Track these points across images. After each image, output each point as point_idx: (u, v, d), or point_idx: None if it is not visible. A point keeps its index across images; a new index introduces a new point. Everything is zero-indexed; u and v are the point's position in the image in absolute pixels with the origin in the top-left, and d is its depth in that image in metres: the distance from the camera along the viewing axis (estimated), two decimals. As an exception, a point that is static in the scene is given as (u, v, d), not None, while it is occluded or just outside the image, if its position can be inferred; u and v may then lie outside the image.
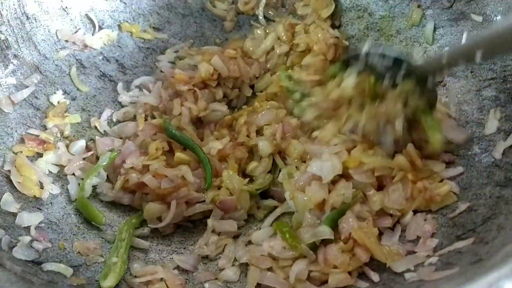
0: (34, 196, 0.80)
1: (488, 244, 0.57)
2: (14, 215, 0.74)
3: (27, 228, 0.73)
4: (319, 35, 0.99)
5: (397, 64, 0.78)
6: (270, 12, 1.12)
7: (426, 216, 0.72)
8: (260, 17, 1.12)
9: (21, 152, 0.83)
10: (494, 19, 0.82)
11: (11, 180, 0.79)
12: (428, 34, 0.93)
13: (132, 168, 0.87)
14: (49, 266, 0.67)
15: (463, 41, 0.79)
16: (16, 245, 0.68)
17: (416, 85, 0.76)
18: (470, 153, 0.77)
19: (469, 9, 0.87)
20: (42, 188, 0.82)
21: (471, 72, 0.84)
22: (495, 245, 0.56)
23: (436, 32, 0.93)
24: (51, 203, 0.81)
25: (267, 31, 1.07)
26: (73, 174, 0.87)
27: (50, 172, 0.86)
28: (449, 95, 0.85)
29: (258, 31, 1.08)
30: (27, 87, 0.92)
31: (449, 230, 0.68)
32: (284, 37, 1.03)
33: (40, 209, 0.79)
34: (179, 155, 0.88)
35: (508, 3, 0.81)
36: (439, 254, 0.64)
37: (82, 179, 0.86)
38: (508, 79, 0.77)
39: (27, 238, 0.70)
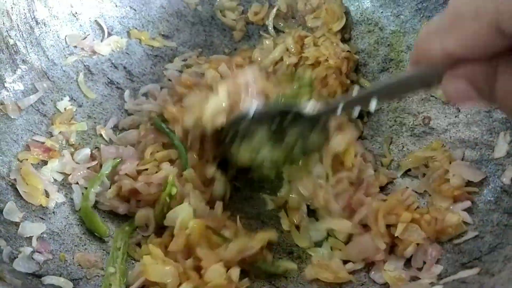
0: (41, 205, 0.79)
1: (494, 276, 0.56)
2: (17, 224, 0.73)
3: (29, 239, 0.73)
4: (329, 50, 0.98)
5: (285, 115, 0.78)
6: (280, 23, 1.12)
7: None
8: (270, 28, 1.11)
9: (26, 159, 0.83)
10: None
11: (15, 188, 0.78)
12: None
13: (126, 174, 0.86)
14: (49, 280, 0.67)
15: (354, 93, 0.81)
16: (17, 257, 0.68)
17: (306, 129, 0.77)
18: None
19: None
20: (48, 197, 0.81)
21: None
22: (501, 279, 0.55)
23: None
24: (53, 212, 0.80)
25: (276, 42, 1.06)
26: (77, 183, 0.86)
27: (55, 180, 0.85)
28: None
29: (267, 42, 1.07)
30: (34, 93, 0.92)
31: (454, 256, 0.67)
32: (293, 49, 1.03)
33: (43, 219, 0.78)
34: (159, 153, 0.89)
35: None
36: (443, 282, 0.63)
37: (86, 188, 0.86)
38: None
39: (29, 250, 0.70)
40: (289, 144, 0.79)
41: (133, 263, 0.79)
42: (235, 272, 0.70)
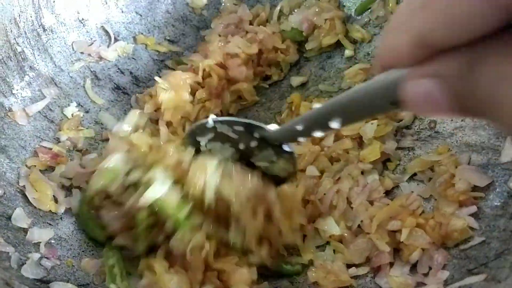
0: (50, 211, 0.80)
1: (501, 283, 0.56)
2: (25, 230, 0.75)
3: (37, 245, 0.74)
4: None
5: (250, 130, 0.72)
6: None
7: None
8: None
9: (35, 166, 0.84)
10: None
11: (24, 195, 0.79)
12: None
13: None
14: (56, 286, 0.67)
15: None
16: (25, 263, 0.69)
17: (271, 153, 0.72)
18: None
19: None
20: (57, 203, 0.82)
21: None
22: (507, 285, 0.54)
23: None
24: (61, 218, 0.81)
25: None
26: (79, 188, 0.87)
27: (63, 185, 0.86)
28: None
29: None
30: (42, 99, 0.94)
31: (460, 262, 0.66)
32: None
33: (51, 224, 0.79)
34: None
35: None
36: (449, 288, 0.63)
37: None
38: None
39: (37, 255, 0.71)
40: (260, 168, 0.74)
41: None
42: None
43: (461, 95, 0.30)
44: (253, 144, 0.73)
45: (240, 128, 0.72)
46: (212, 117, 0.74)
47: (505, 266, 0.59)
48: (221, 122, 0.74)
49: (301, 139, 0.66)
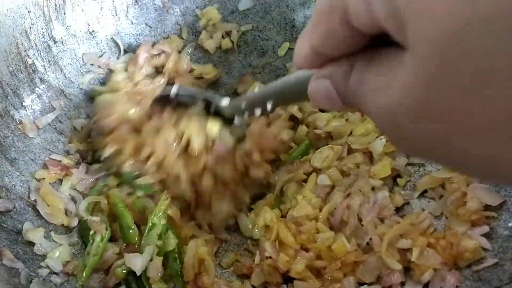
0: (62, 225, 0.80)
1: (515, 309, 0.55)
2: (34, 245, 0.74)
3: (46, 260, 0.73)
4: None
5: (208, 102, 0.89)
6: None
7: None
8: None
9: (44, 179, 0.84)
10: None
11: (34, 208, 0.79)
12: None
13: None
14: (65, 303, 0.68)
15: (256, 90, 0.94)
16: (34, 279, 0.69)
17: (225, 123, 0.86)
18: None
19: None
20: (68, 216, 0.82)
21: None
22: (522, 312, 0.54)
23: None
24: (71, 231, 0.81)
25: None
26: (82, 193, 0.87)
27: (72, 197, 0.86)
28: None
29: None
30: (52, 111, 0.94)
31: (473, 284, 0.66)
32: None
33: (62, 239, 0.79)
34: None
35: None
36: (462, 311, 0.62)
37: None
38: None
39: (45, 271, 0.71)
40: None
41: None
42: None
43: (342, 94, 0.40)
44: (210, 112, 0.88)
45: (199, 99, 0.89)
46: (176, 87, 0.92)
47: (519, 291, 0.58)
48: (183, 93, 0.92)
49: (245, 115, 0.77)
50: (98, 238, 0.77)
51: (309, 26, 0.41)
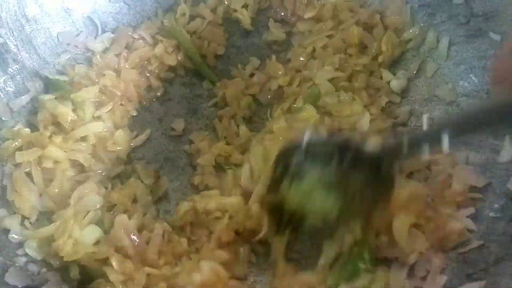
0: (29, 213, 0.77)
1: (502, 292, 0.55)
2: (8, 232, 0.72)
3: (22, 247, 0.71)
4: None
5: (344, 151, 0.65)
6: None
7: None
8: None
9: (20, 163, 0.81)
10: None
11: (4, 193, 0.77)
12: (442, 50, 0.90)
13: None
14: (46, 291, 0.65)
15: (424, 125, 0.66)
16: (10, 268, 0.66)
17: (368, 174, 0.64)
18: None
19: (486, 26, 0.83)
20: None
21: (486, 93, 0.81)
22: (509, 294, 0.53)
23: (451, 49, 0.89)
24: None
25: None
26: None
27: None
28: None
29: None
30: (26, 93, 0.90)
31: (459, 266, 0.65)
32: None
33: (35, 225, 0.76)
34: None
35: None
36: (448, 294, 0.62)
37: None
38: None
39: (22, 260, 0.68)
40: (349, 191, 0.65)
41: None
42: None
43: None
44: (348, 163, 0.64)
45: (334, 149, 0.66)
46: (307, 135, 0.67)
47: (505, 273, 0.58)
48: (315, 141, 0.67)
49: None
50: None
51: None
